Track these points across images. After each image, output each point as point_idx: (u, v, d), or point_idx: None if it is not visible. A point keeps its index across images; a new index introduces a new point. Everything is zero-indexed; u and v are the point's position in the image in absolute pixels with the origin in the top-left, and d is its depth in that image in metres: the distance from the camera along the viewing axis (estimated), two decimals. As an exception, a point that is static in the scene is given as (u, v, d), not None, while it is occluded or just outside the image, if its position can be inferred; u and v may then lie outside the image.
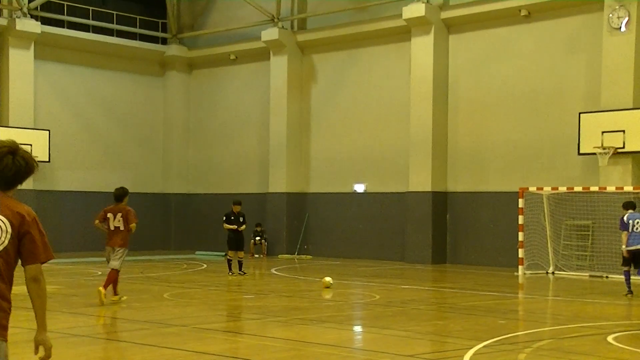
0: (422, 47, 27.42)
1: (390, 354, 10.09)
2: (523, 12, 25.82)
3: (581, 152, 23.80)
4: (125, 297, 15.55)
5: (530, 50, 26.01)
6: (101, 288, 14.86)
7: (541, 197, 24.20)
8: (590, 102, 24.26)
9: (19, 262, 5.04)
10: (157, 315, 13.81)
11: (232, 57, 33.46)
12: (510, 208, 24.46)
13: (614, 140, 23.04)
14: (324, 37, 30.68)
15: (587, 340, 11.74)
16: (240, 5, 32.46)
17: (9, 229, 4.85)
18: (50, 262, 20.93)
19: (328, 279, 18.42)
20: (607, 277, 21.53)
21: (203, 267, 25.52)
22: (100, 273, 22.42)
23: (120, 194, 15.58)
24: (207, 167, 34.54)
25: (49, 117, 31.36)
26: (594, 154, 23.38)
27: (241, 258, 21.80)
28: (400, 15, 27.62)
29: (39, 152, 29.95)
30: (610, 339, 11.54)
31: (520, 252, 23.55)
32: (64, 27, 32.00)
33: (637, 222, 17.51)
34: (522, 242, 23.61)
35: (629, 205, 18.15)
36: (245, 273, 21.77)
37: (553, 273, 23.63)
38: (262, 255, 30.44)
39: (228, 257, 22.07)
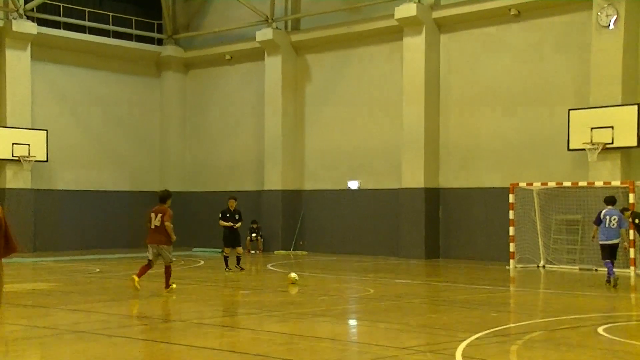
0: (414, 46, 27.73)
1: (384, 346, 10.28)
2: (513, 12, 26.12)
3: (571, 148, 24.12)
4: (174, 285, 16.66)
5: (520, 49, 26.32)
6: (165, 288, 16.38)
7: (531, 193, 24.54)
8: (580, 99, 24.58)
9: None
10: (155, 311, 14.04)
11: (227, 57, 33.72)
12: (501, 203, 24.76)
13: (603, 136, 23.35)
14: (317, 37, 30.97)
15: (577, 332, 11.96)
16: (235, 6, 32.69)
17: None
18: (48, 260, 21.44)
19: (293, 275, 18.52)
20: (596, 270, 21.81)
21: (200, 264, 25.72)
22: (98, 270, 22.71)
23: (163, 196, 16.85)
24: (204, 165, 34.80)
25: (46, 117, 31.56)
26: (584, 149, 23.71)
27: (240, 254, 21.98)
28: (392, 15, 27.92)
29: (37, 152, 30.21)
30: (600, 330, 11.75)
31: (512, 247, 23.91)
32: (60, 29, 32.18)
33: (613, 219, 18.34)
34: (513, 236, 23.97)
35: (610, 201, 18.87)
36: (243, 269, 21.96)
37: (544, 266, 23.99)
38: (258, 252, 30.73)
39: (225, 254, 22.26)
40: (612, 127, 23.22)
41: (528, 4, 25.81)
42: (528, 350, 10.17)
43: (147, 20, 35.05)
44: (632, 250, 21.44)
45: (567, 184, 23.60)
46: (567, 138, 24.15)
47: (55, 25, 32.13)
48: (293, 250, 31.02)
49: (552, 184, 23.91)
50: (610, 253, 18.43)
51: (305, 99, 31.70)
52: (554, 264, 23.96)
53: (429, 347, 10.69)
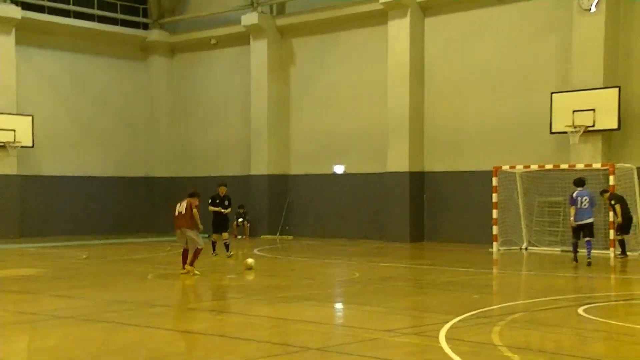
0: (399, 30, 27.84)
1: (369, 329, 10.43)
2: (496, -5, 26.30)
3: (553, 131, 24.34)
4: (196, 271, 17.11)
5: (503, 32, 26.47)
6: (187, 266, 17.03)
7: (514, 176, 24.77)
8: (562, 82, 24.78)
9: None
10: (142, 296, 14.06)
11: (213, 41, 33.72)
12: (485, 186, 24.93)
13: (585, 119, 23.59)
14: (302, 21, 31.03)
15: (558, 313, 12.19)
16: (220, -10, 32.73)
17: None
18: (35, 246, 21.42)
19: (250, 260, 18.62)
20: (578, 251, 22.04)
21: (187, 249, 25.81)
22: (85, 256, 22.80)
23: (193, 192, 17.90)
24: (190, 150, 34.84)
25: (32, 102, 31.50)
26: (566, 132, 23.95)
27: (227, 239, 21.96)
28: (377, -1, 28.05)
29: (23, 137, 30.19)
30: (580, 310, 11.96)
31: (495, 229, 24.14)
32: (44, 13, 32.08)
33: (585, 199, 19.14)
34: (496, 219, 24.18)
35: (578, 183, 19.62)
36: (231, 255, 21.91)
37: (526, 249, 24.25)
38: (244, 236, 30.85)
39: (212, 239, 22.32)
40: (593, 109, 23.46)
41: (511, -13, 25.96)
42: (510, 331, 10.32)
43: (133, 5, 34.99)
44: (611, 232, 21.76)
45: (549, 166, 23.84)
46: (549, 121, 24.36)
47: (40, 9, 32.04)
48: (279, 234, 31.18)
49: (534, 167, 24.14)
50: (583, 233, 19.25)
51: (291, 83, 31.78)
52: (536, 246, 24.23)
53: (414, 329, 10.87)
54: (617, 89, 23.34)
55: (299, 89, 31.54)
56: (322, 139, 30.69)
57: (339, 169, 30.41)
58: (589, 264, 18.99)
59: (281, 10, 32.17)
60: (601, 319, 11.42)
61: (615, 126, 23.43)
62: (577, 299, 13.42)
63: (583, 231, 19.31)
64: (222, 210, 21.79)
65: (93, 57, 33.78)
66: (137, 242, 29.11)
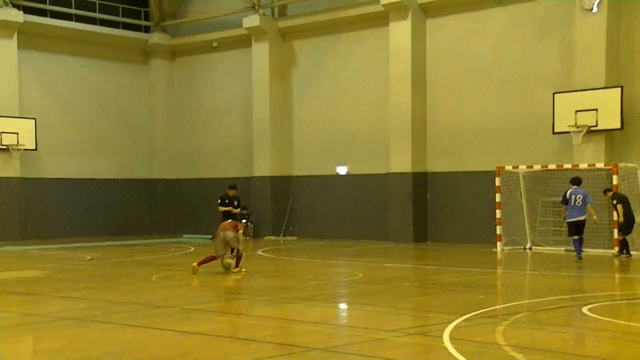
0: (400, 31, 27.85)
1: (373, 329, 10.41)
2: (498, -5, 26.27)
3: (556, 131, 24.34)
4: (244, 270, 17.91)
5: (505, 33, 26.46)
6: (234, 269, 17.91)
7: (517, 176, 24.76)
8: (564, 82, 24.77)
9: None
10: (145, 298, 14.05)
11: (215, 44, 33.76)
12: (488, 186, 24.98)
13: (587, 119, 23.58)
14: (304, 23, 31.06)
15: (563, 312, 12.17)
16: (222, -7, 32.77)
17: None
18: (38, 248, 21.34)
19: (228, 260, 18.56)
20: (582, 250, 22.05)
21: (190, 250, 25.82)
22: (89, 258, 22.82)
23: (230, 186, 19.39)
24: (192, 152, 34.88)
25: (34, 105, 31.57)
26: (568, 132, 23.94)
27: None
28: (378, 1, 28.06)
29: (26, 140, 30.25)
30: (585, 310, 11.94)
31: (498, 229, 24.14)
32: (46, 16, 32.15)
33: (578, 197, 19.69)
34: (499, 219, 24.19)
35: (574, 182, 20.18)
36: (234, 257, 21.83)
37: (530, 248, 24.25)
38: (248, 238, 30.84)
39: None
40: (596, 109, 23.44)
41: (512, -13, 25.96)
42: (514, 330, 10.28)
43: (134, 8, 35.04)
44: (615, 231, 21.76)
45: (552, 166, 23.84)
46: (552, 121, 24.35)
47: (42, 13, 32.10)
48: (283, 235, 31.19)
49: (537, 167, 24.13)
50: (576, 229, 19.92)
51: (293, 84, 31.80)
52: (540, 246, 24.22)
53: (418, 329, 10.85)
54: (619, 89, 23.33)
55: (301, 90, 31.55)
56: (325, 140, 30.70)
57: (342, 170, 30.42)
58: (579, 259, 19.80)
59: (282, 13, 32.20)
60: (606, 319, 11.38)
61: (618, 126, 23.42)
62: (581, 299, 13.39)
63: (577, 229, 19.93)
64: (233, 210, 21.67)
65: (95, 60, 33.84)
66: (141, 243, 29.13)
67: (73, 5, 33.01)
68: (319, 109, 30.99)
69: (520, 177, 24.77)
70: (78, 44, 33.19)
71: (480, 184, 26.23)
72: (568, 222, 20.11)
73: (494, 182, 24.42)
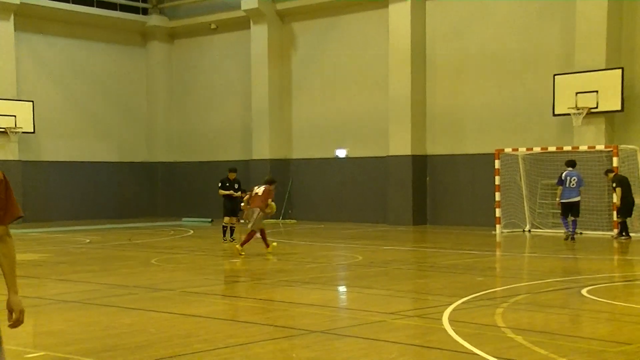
0: (400, 13, 27.74)
1: (372, 312, 10.41)
2: (498, -23, 26.16)
3: (556, 113, 24.30)
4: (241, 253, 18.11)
5: (505, 14, 26.36)
6: (237, 246, 18.37)
7: (517, 158, 24.74)
8: (565, 63, 24.70)
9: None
10: (145, 280, 14.05)
11: (213, 26, 33.64)
12: (487, 169, 24.98)
13: (588, 101, 23.54)
14: (303, 5, 30.91)
15: (561, 294, 12.21)
16: (220, -26, 32.60)
17: None
18: (37, 231, 21.40)
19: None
20: (581, 233, 22.10)
21: (190, 233, 25.88)
22: (88, 241, 22.84)
23: (269, 180, 19.38)
24: (191, 135, 34.84)
25: (32, 88, 31.49)
26: (569, 114, 23.90)
27: (233, 224, 21.98)
28: (378, -18, 27.95)
29: (24, 123, 30.19)
30: (584, 292, 11.97)
31: (498, 212, 24.16)
32: (43, -2, 32.03)
33: (573, 179, 20.47)
34: (499, 202, 24.21)
35: (569, 164, 20.92)
36: (234, 240, 21.85)
37: (529, 231, 24.27)
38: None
39: (224, 223, 22.13)
40: (596, 91, 23.39)
41: (513, -31, 25.83)
42: (513, 312, 10.31)
43: (132, -10, 34.87)
44: (614, 214, 21.77)
45: (552, 148, 23.81)
46: (552, 103, 24.30)
47: (39, -5, 31.93)
48: (282, 218, 31.19)
49: (537, 149, 24.11)
50: (570, 211, 20.73)
51: (292, 67, 31.70)
52: (540, 228, 24.24)
53: (417, 312, 10.87)
54: (620, 70, 23.27)
55: (300, 73, 31.46)
56: (324, 123, 30.65)
57: (341, 153, 30.39)
58: (573, 239, 20.58)
59: (281, -6, 32.06)
60: (605, 300, 11.40)
61: (618, 108, 23.37)
62: (580, 281, 13.40)
63: (571, 210, 20.70)
64: (234, 194, 21.70)
65: (92, 42, 33.72)
66: (140, 226, 29.15)
67: (70, -13, 32.88)
68: (318, 91, 30.91)
69: (520, 160, 24.75)
70: (75, 26, 33.06)
71: (479, 166, 26.23)
72: (562, 203, 20.81)
73: (494, 164, 24.40)
